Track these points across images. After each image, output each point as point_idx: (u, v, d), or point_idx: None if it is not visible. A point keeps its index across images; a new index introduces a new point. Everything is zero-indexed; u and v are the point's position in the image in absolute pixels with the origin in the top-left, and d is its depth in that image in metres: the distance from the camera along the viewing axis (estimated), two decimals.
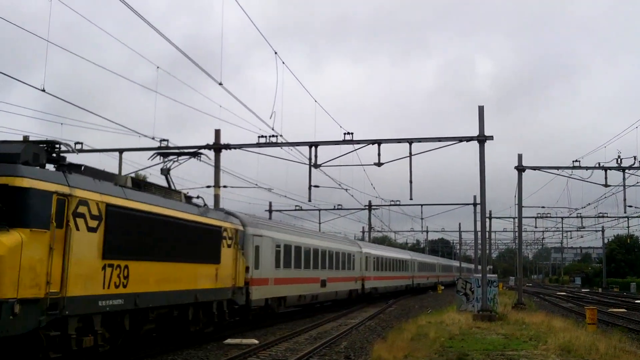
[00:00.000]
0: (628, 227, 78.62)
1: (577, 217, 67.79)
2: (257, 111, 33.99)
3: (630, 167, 34.10)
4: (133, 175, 48.49)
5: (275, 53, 22.87)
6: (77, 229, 13.19)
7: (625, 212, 43.20)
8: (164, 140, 27.94)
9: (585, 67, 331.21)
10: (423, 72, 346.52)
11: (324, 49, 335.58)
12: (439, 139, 27.93)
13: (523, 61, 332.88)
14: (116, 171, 29.25)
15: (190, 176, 73.22)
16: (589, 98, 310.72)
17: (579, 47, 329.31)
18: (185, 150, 23.37)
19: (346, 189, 40.86)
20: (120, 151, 29.74)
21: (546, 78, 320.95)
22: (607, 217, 64.75)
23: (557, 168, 35.64)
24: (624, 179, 35.94)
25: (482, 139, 27.43)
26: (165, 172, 20.74)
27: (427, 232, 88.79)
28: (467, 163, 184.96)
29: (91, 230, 13.72)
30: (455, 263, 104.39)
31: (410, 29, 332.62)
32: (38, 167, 12.74)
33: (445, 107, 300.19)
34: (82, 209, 13.37)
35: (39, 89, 18.48)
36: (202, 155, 22.58)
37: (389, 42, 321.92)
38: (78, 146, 29.06)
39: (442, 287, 75.01)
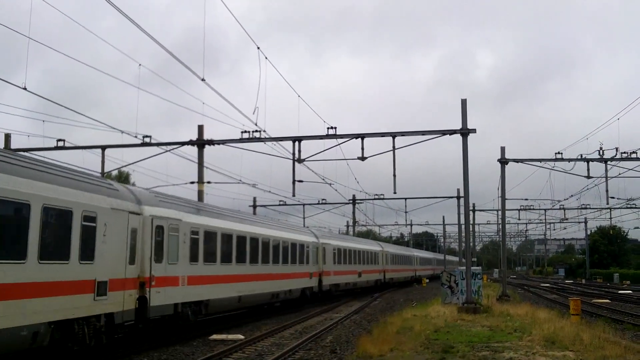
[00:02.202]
0: (610, 218, 79.53)
1: (560, 208, 68.33)
2: (248, 106, 33.96)
3: (612, 159, 34.24)
4: (116, 172, 48.24)
5: (258, 48, 22.86)
6: None
7: (607, 204, 43.38)
8: (146, 136, 27.97)
9: (587, 61, 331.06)
10: (423, 65, 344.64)
11: (326, 42, 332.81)
12: (423, 133, 27.88)
13: (525, 55, 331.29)
14: (99, 168, 29.11)
15: (174, 172, 72.96)
16: (591, 92, 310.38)
17: (581, 41, 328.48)
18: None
19: (330, 184, 40.91)
20: (103, 148, 29.52)
21: (546, 72, 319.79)
22: (590, 208, 65.28)
23: (540, 160, 35.73)
24: (606, 170, 36.15)
25: (465, 132, 27.43)
26: None
27: (411, 225, 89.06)
28: (457, 157, 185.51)
29: None
30: (437, 255, 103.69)
31: (413, 21, 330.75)
32: None
33: (447, 100, 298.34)
34: None
35: (20, 87, 18.31)
36: None
37: (390, 35, 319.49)
38: (60, 143, 28.94)
39: (427, 280, 74.82)
